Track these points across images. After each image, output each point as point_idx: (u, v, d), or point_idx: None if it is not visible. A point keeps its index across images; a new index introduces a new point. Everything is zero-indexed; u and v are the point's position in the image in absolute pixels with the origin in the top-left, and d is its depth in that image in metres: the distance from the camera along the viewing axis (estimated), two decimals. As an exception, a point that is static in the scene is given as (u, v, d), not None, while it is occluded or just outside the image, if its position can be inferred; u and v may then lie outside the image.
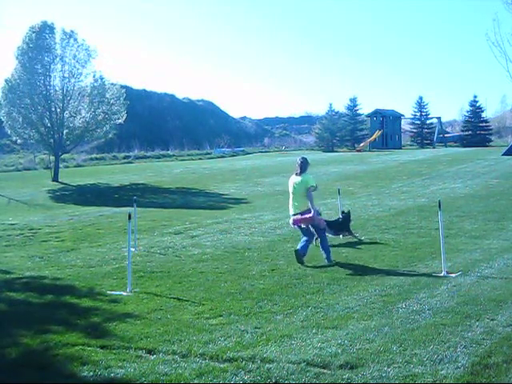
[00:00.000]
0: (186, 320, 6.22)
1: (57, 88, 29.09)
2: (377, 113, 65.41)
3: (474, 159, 34.85)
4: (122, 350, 5.26)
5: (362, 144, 59.59)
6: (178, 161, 43.59)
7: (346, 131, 62.02)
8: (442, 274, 8.16)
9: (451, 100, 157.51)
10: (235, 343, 5.39)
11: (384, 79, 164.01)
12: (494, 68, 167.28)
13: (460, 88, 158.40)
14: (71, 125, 29.49)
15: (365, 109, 68.45)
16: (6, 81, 28.14)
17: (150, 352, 5.21)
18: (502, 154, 37.94)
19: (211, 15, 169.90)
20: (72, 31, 29.07)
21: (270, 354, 5.06)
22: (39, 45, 28.11)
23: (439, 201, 9.07)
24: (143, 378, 4.60)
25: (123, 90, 30.60)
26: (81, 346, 5.34)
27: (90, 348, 5.30)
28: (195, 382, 4.55)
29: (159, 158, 45.80)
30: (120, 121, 30.22)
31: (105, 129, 30.18)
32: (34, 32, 28.13)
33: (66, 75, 28.95)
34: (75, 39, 29.02)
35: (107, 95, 29.69)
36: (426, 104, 67.44)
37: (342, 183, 23.03)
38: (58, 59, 28.75)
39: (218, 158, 46.59)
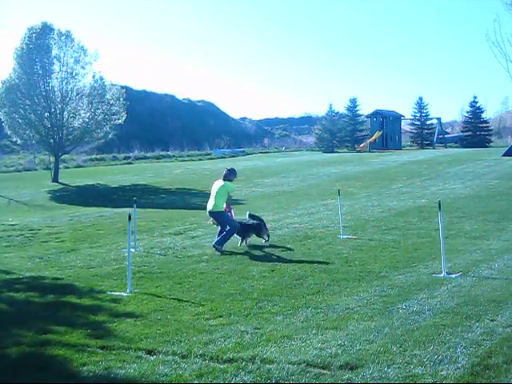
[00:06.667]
0: (186, 321, 6.22)
1: (55, 89, 29.12)
2: (377, 113, 65.38)
3: (473, 160, 34.84)
4: (121, 350, 5.26)
5: (362, 144, 59.65)
6: (178, 161, 43.59)
7: (346, 132, 62.07)
8: (442, 275, 8.17)
9: (451, 101, 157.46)
10: (235, 344, 5.39)
11: (384, 79, 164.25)
12: (494, 68, 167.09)
13: (460, 89, 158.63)
14: (71, 125, 29.51)
15: (365, 109, 68.59)
16: (3, 82, 28.16)
17: (149, 353, 5.21)
18: (502, 155, 37.92)
19: (211, 16, 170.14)
20: (68, 32, 29.12)
21: (270, 355, 5.06)
22: (38, 46, 28.13)
23: (439, 201, 9.07)
24: (143, 379, 4.60)
25: (123, 91, 30.62)
26: (81, 347, 5.34)
27: (90, 348, 5.30)
28: (195, 382, 4.54)
29: (159, 158, 45.79)
30: (120, 121, 30.22)
31: (104, 129, 30.19)
32: (33, 33, 28.17)
33: (65, 76, 28.98)
34: (72, 40, 29.07)
35: (107, 96, 29.71)
36: (426, 105, 67.41)
37: (342, 184, 22.99)
38: (56, 60, 28.79)
39: (218, 158, 46.57)
